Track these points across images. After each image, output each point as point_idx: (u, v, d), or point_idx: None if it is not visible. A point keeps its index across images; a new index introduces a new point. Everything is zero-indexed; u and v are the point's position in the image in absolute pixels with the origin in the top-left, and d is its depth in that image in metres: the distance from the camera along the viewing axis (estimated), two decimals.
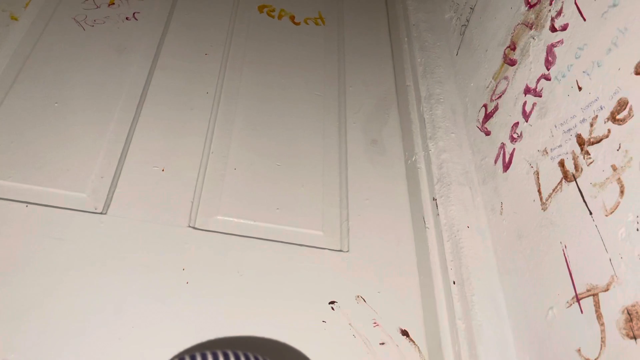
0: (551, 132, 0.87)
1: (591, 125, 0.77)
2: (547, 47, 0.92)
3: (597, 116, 0.76)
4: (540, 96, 0.92)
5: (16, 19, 1.33)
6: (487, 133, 1.10)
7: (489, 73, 1.14)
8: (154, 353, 0.90)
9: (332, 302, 1.03)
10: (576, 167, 0.79)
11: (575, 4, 0.85)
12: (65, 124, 1.17)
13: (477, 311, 0.92)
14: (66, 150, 1.13)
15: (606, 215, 0.71)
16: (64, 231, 1.01)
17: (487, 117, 1.11)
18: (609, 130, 0.73)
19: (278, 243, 1.09)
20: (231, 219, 1.12)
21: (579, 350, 0.73)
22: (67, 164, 1.11)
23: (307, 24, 1.61)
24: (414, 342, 1.01)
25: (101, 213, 1.06)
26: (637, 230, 0.65)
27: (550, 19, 0.93)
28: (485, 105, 1.13)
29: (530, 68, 0.97)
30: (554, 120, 0.87)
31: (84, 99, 1.23)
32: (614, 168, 0.71)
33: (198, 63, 1.39)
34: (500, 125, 1.05)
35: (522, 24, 1.03)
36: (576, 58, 0.83)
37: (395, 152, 1.33)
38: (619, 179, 0.70)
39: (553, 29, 0.91)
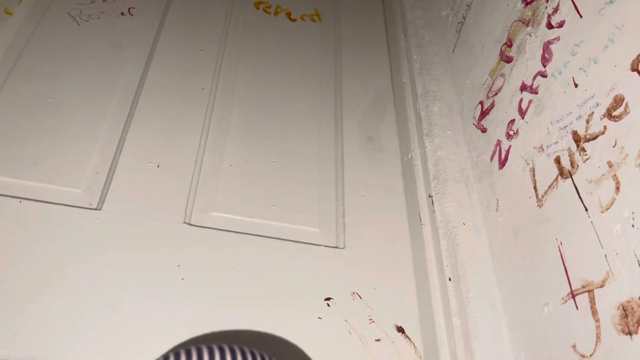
0: (547, 129, 0.87)
1: (587, 122, 0.77)
2: (544, 44, 0.92)
3: (593, 113, 0.76)
4: (537, 93, 0.92)
5: (10, 14, 1.32)
6: (483, 130, 1.11)
7: (485, 70, 1.14)
8: (148, 348, 0.89)
9: (328, 299, 1.03)
10: (572, 163, 0.79)
11: (572, 0, 0.85)
12: (60, 120, 1.17)
13: (473, 308, 0.92)
14: (61, 145, 1.13)
15: (602, 212, 0.72)
16: (58, 227, 1.01)
17: (484, 114, 1.11)
18: (605, 127, 0.73)
19: (274, 240, 1.09)
20: (227, 215, 1.12)
21: (574, 346, 0.73)
22: (62, 159, 1.11)
23: (304, 20, 1.61)
24: (409, 338, 1.01)
25: (96, 209, 1.06)
26: (633, 226, 0.65)
27: (546, 15, 0.93)
28: (481, 103, 1.13)
29: (526, 65, 0.97)
30: (550, 117, 0.87)
31: (78, 95, 1.22)
32: (610, 164, 0.71)
33: (194, 59, 1.38)
34: (496, 122, 1.06)
35: (518, 20, 1.03)
36: (572, 55, 0.83)
37: (392, 149, 1.33)
38: (614, 175, 0.70)
39: (549, 25, 0.91)
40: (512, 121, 0.99)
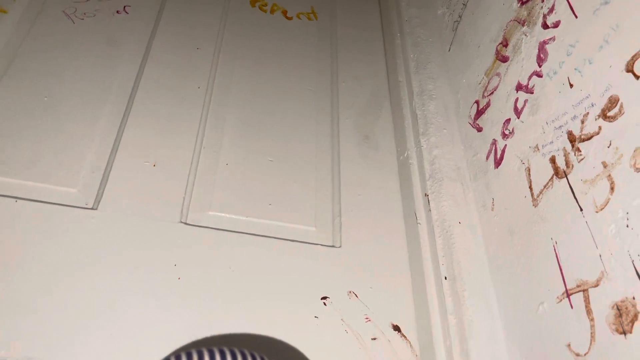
0: (542, 128, 0.88)
1: (582, 122, 0.78)
2: (539, 43, 0.92)
3: (588, 113, 0.77)
4: (532, 93, 0.93)
5: (5, 12, 1.31)
6: (479, 129, 1.11)
7: (481, 69, 1.14)
8: (146, 350, 0.89)
9: (324, 298, 1.03)
10: (567, 163, 0.80)
11: (567, 0, 0.86)
12: (56, 119, 1.16)
13: (468, 306, 0.93)
14: (56, 145, 1.12)
15: (596, 212, 0.72)
16: (54, 227, 1.00)
17: (479, 113, 1.12)
18: (599, 127, 0.74)
19: (270, 239, 1.09)
20: (223, 214, 1.12)
21: (569, 345, 0.74)
22: (58, 159, 1.10)
23: (300, 18, 1.60)
24: (405, 337, 1.02)
25: (92, 208, 1.06)
26: (627, 226, 0.66)
27: (542, 15, 0.93)
28: (477, 102, 1.14)
29: (522, 65, 0.97)
30: (545, 117, 0.87)
31: (74, 93, 1.22)
32: (605, 165, 0.72)
33: (190, 57, 1.38)
34: (492, 122, 1.06)
35: (514, 20, 1.03)
36: (568, 55, 0.84)
37: (388, 147, 1.33)
38: (609, 175, 0.70)
39: (545, 25, 0.92)
40: (508, 120, 0.99)
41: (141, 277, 0.98)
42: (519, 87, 0.97)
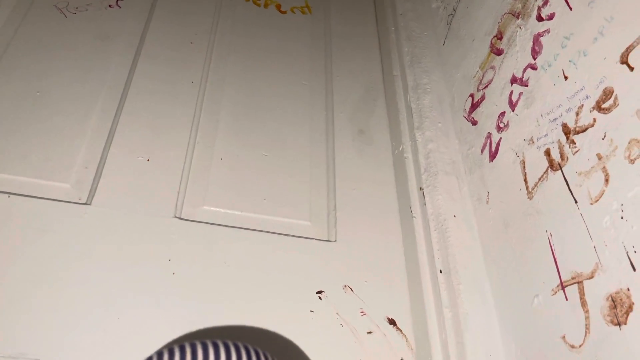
0: (537, 121, 0.88)
1: (577, 114, 0.77)
2: (534, 36, 0.92)
3: (582, 105, 0.77)
4: (527, 85, 0.92)
5: None
6: (474, 123, 1.11)
7: (475, 62, 1.14)
8: (141, 344, 0.89)
9: (319, 292, 1.03)
10: (562, 156, 0.80)
11: None
12: (48, 113, 1.15)
13: (464, 300, 0.93)
14: (49, 140, 1.11)
15: (591, 204, 0.72)
16: (47, 222, 1.00)
17: (474, 106, 1.12)
18: (594, 119, 0.74)
19: (265, 233, 1.09)
20: (218, 209, 1.11)
21: (564, 336, 0.74)
22: (50, 154, 1.09)
23: (294, 12, 1.60)
24: (401, 330, 1.02)
25: (85, 204, 1.05)
26: (622, 218, 0.66)
27: (536, 8, 0.93)
28: (472, 95, 1.14)
29: (516, 57, 0.97)
30: (540, 110, 0.87)
31: (66, 88, 1.21)
32: (599, 157, 0.72)
33: (183, 52, 1.37)
34: (486, 115, 1.06)
35: (509, 13, 1.03)
36: (562, 47, 0.84)
37: (383, 141, 1.33)
38: (604, 167, 0.71)
39: (539, 18, 0.91)
40: (503, 114, 0.99)
41: (136, 273, 0.97)
42: (513, 80, 0.97)
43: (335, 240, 1.12)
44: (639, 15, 0.68)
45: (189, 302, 0.96)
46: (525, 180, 0.89)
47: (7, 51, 1.23)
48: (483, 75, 1.10)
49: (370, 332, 1.00)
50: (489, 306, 0.93)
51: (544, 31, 0.89)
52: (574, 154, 0.77)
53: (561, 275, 0.76)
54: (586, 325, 0.70)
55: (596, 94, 0.74)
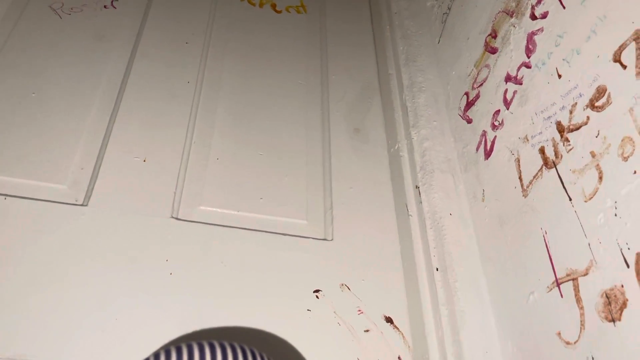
0: (532, 119, 0.88)
1: (570, 112, 0.78)
2: (528, 35, 0.93)
3: (576, 103, 0.77)
4: (521, 84, 0.93)
5: None
6: (469, 121, 1.11)
7: (470, 61, 1.14)
8: (138, 345, 0.89)
9: (316, 291, 1.04)
10: (556, 153, 0.80)
11: None
12: (44, 115, 1.15)
13: (460, 297, 0.93)
14: (45, 141, 1.11)
15: (585, 201, 0.73)
16: (44, 224, 1.00)
17: (469, 105, 1.12)
18: (587, 118, 0.74)
19: (262, 233, 1.09)
20: (214, 209, 1.12)
21: (559, 333, 0.75)
22: (46, 155, 1.09)
23: (289, 12, 1.60)
24: (398, 328, 1.02)
25: (82, 205, 1.05)
26: (615, 215, 0.67)
27: (530, 6, 0.93)
28: (466, 93, 1.14)
29: (511, 56, 0.98)
30: (534, 108, 0.88)
31: (62, 89, 1.21)
32: (593, 154, 0.72)
33: (178, 52, 1.37)
34: (481, 113, 1.06)
35: (503, 12, 1.03)
36: (556, 46, 0.84)
37: (378, 140, 1.33)
38: (597, 165, 0.71)
39: (533, 16, 0.92)
40: (497, 112, 1.00)
41: (133, 273, 0.97)
42: (508, 79, 0.98)
43: (331, 239, 1.12)
44: (631, 13, 0.69)
45: (187, 302, 0.96)
46: (520, 178, 0.89)
47: (2, 52, 1.23)
48: (478, 73, 1.10)
49: (367, 331, 1.00)
50: (485, 303, 0.94)
51: (538, 30, 0.90)
52: (568, 152, 0.78)
53: (556, 272, 0.77)
54: (581, 321, 0.70)
55: (589, 92, 0.74)
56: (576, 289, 0.72)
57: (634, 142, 0.65)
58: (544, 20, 0.89)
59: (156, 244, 1.02)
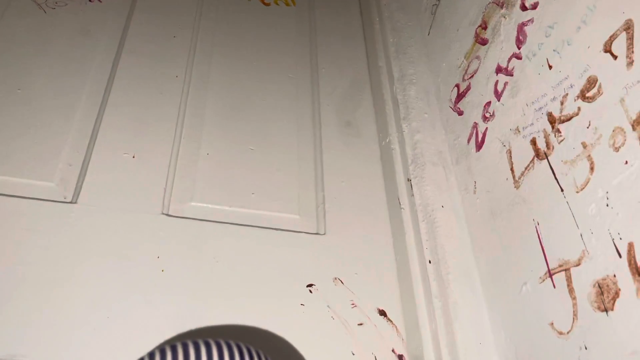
0: (523, 110, 0.88)
1: (562, 103, 0.78)
2: (518, 26, 0.92)
3: (567, 94, 0.77)
4: (512, 75, 0.93)
5: None
6: (460, 113, 1.11)
7: (460, 52, 1.14)
8: (131, 344, 0.88)
9: (310, 285, 1.03)
10: (547, 145, 0.80)
11: None
12: (30, 111, 1.13)
13: (453, 289, 0.94)
14: (32, 138, 1.10)
15: (577, 192, 0.73)
16: (32, 222, 0.98)
17: (460, 96, 1.12)
18: (579, 108, 0.74)
19: (254, 228, 1.09)
20: (205, 205, 1.11)
21: (552, 323, 0.75)
22: (33, 152, 1.08)
23: (278, 4, 1.58)
24: (391, 321, 1.02)
25: (71, 202, 1.04)
26: (607, 205, 0.67)
27: None
28: (457, 85, 1.14)
29: (501, 47, 0.98)
30: (525, 99, 0.88)
31: (48, 85, 1.19)
32: (584, 145, 0.72)
33: (166, 46, 1.35)
34: (472, 105, 1.06)
35: (493, 2, 1.03)
36: (546, 37, 0.84)
37: (370, 133, 1.33)
38: (589, 155, 0.71)
39: (523, 7, 0.92)
40: (488, 103, 1.00)
41: (124, 271, 0.96)
42: (498, 70, 0.98)
43: (324, 233, 1.12)
44: (621, 3, 0.69)
45: (179, 299, 0.96)
46: (511, 169, 0.90)
47: None
48: (468, 65, 1.10)
49: (361, 324, 1.01)
50: (478, 295, 0.94)
51: (528, 20, 0.90)
52: (559, 143, 0.78)
53: (549, 263, 0.77)
54: (574, 311, 0.71)
55: (580, 83, 0.74)
56: (569, 280, 0.73)
57: (625, 133, 0.65)
58: (534, 11, 0.88)
59: (147, 241, 1.01)
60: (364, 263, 1.09)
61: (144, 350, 0.79)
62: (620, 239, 0.64)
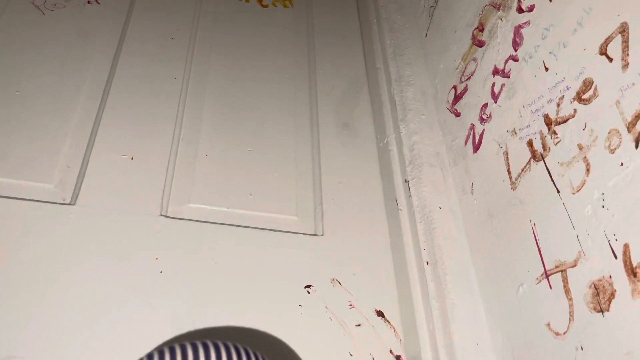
0: (519, 112, 0.88)
1: (558, 105, 0.78)
2: (515, 28, 0.93)
3: (563, 96, 0.77)
4: (509, 77, 0.93)
5: None
6: (457, 114, 1.12)
7: (458, 54, 1.15)
8: (130, 346, 0.89)
9: (307, 286, 1.04)
10: (544, 146, 0.81)
11: None
12: (29, 113, 1.14)
13: (450, 290, 0.94)
14: (30, 140, 1.10)
15: (573, 193, 0.73)
16: (31, 224, 0.98)
17: (457, 98, 1.12)
18: (575, 110, 0.75)
19: (252, 229, 1.09)
20: (204, 206, 1.11)
21: (549, 324, 0.75)
22: (32, 154, 1.08)
23: (275, 6, 1.59)
24: (389, 322, 1.03)
25: (69, 204, 1.04)
26: (603, 207, 0.67)
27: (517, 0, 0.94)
28: (454, 87, 1.14)
29: (498, 49, 0.98)
30: (522, 101, 0.88)
31: (47, 87, 1.19)
32: (580, 147, 0.73)
33: (165, 47, 1.36)
34: (469, 107, 1.07)
35: (489, 5, 1.03)
36: (543, 39, 0.84)
37: (367, 134, 1.33)
38: (585, 157, 0.72)
39: (520, 10, 0.92)
40: (485, 105, 1.00)
41: (122, 272, 0.97)
42: (495, 72, 0.98)
43: (322, 234, 1.12)
44: (617, 6, 0.69)
45: (177, 300, 0.96)
46: (508, 170, 0.90)
47: None
48: (465, 67, 1.10)
49: (359, 325, 1.01)
50: (475, 296, 0.94)
51: (525, 23, 0.90)
52: (555, 145, 0.78)
53: (545, 264, 0.78)
54: (570, 312, 0.71)
55: (576, 85, 0.75)
56: (565, 281, 0.73)
57: (620, 135, 0.66)
58: (530, 13, 0.89)
59: (145, 242, 1.01)
60: (361, 264, 1.09)
61: (142, 352, 0.80)
62: (616, 240, 0.65)
